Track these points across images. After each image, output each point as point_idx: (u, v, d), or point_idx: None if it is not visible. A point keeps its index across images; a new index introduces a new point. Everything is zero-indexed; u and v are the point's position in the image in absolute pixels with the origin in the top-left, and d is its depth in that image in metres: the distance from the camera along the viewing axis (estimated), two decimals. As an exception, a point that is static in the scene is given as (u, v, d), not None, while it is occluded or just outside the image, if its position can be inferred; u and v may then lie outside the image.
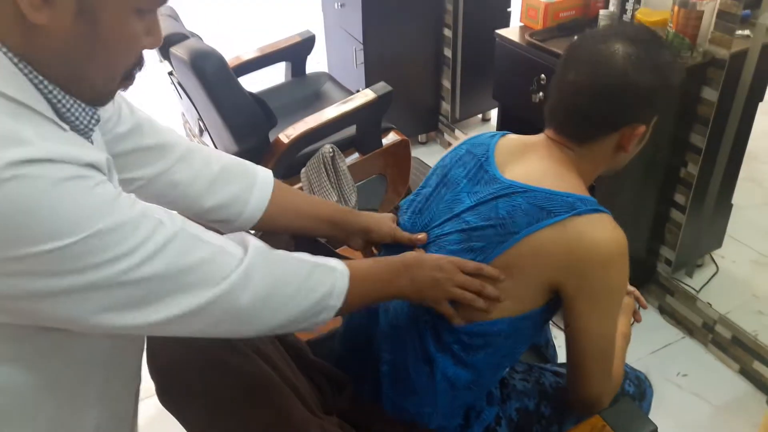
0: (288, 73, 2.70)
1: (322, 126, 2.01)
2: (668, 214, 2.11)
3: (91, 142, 0.78)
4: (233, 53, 2.50)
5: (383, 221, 1.16)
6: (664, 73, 1.01)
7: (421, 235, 1.09)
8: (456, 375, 1.05)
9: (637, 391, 1.22)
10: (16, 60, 0.67)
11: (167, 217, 0.74)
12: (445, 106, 3.13)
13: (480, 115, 3.25)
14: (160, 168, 0.97)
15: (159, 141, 0.98)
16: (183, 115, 2.46)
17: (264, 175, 1.09)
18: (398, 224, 1.16)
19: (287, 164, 2.03)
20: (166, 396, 0.97)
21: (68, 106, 0.72)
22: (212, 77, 1.88)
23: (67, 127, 0.72)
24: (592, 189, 1.89)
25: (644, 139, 1.08)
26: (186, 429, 0.95)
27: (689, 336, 2.15)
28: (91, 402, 0.86)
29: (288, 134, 1.99)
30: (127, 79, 0.76)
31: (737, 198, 2.18)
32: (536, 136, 1.10)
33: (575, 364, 1.02)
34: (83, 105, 0.74)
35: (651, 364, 2.02)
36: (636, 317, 1.26)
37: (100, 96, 0.76)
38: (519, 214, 0.97)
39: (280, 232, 1.17)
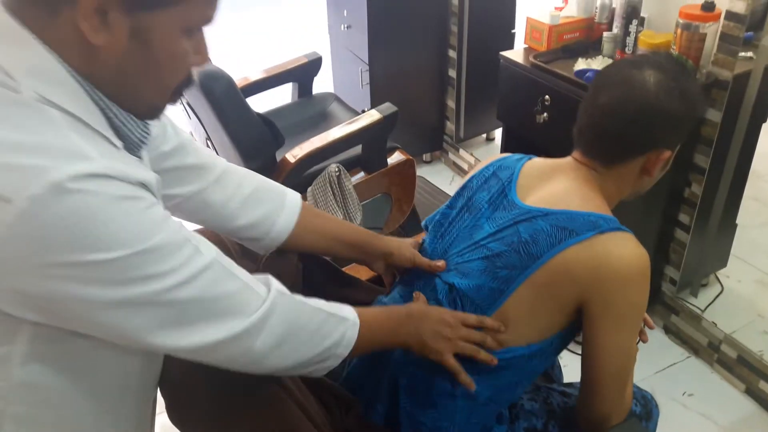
0: (295, 93, 2.72)
1: (329, 146, 2.03)
2: (673, 234, 2.12)
3: (140, 158, 0.83)
4: (241, 74, 2.53)
5: (405, 246, 1.20)
6: (692, 101, 1.03)
7: (441, 263, 1.12)
8: (477, 391, 1.06)
9: (643, 410, 1.22)
10: (79, 78, 0.72)
11: (204, 245, 0.79)
12: (450, 126, 3.15)
13: (484, 135, 3.27)
14: (197, 187, 1.03)
15: (199, 161, 1.03)
16: (191, 133, 2.49)
17: (293, 198, 1.14)
18: (420, 247, 1.18)
19: (294, 183, 2.04)
20: (174, 412, 0.98)
21: (123, 120, 0.77)
22: (221, 98, 1.91)
23: (119, 144, 0.76)
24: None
25: (668, 165, 1.11)
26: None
27: (695, 355, 2.14)
28: (116, 407, 0.90)
29: (295, 154, 2.01)
30: (176, 94, 0.81)
31: (742, 218, 2.18)
32: (563, 158, 1.12)
33: (591, 382, 1.03)
34: (136, 120, 0.79)
35: (657, 383, 2.02)
36: (642, 337, 1.27)
37: (151, 110, 0.82)
38: (542, 236, 0.99)
39: (305, 252, 1.21)
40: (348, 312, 0.95)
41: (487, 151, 3.18)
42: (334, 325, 0.92)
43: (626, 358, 1.03)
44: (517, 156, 1.16)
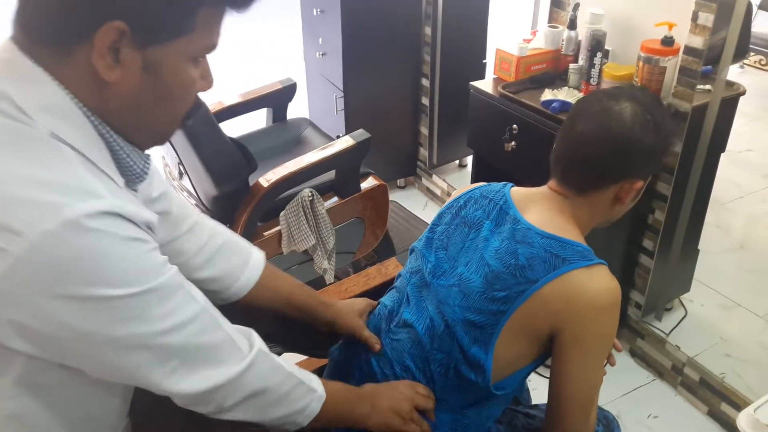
0: (269, 118, 2.75)
1: (302, 171, 2.06)
2: (637, 260, 2.18)
3: (136, 192, 0.86)
4: (216, 98, 2.56)
5: (350, 316, 1.22)
6: (666, 134, 1.08)
7: (378, 346, 1.17)
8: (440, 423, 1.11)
9: (605, 431, 1.26)
10: (88, 113, 0.75)
11: (196, 291, 0.83)
12: (423, 152, 3.21)
13: (457, 162, 3.33)
14: (173, 235, 1.04)
15: (178, 210, 1.05)
16: (163, 158, 2.50)
17: (257, 258, 1.17)
18: (427, 265, 1.17)
19: (267, 208, 2.07)
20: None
21: (128, 152, 0.81)
22: (194, 122, 1.93)
23: (121, 182, 0.79)
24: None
25: (640, 195, 1.14)
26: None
27: (659, 378, 2.19)
28: None
29: (268, 178, 2.04)
30: (184, 119, 0.84)
31: (704, 244, 2.25)
32: (538, 188, 1.15)
33: (557, 406, 1.06)
34: (139, 152, 0.82)
35: (622, 406, 2.06)
36: (610, 360, 1.30)
37: (161, 137, 0.85)
38: (537, 262, 1.02)
39: (258, 308, 1.23)
40: (317, 384, 0.99)
41: (460, 177, 3.24)
42: (303, 394, 0.96)
43: (592, 385, 1.06)
44: (501, 184, 1.19)
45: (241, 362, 0.86)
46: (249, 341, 0.90)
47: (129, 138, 0.80)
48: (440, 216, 1.21)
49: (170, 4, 0.72)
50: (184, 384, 0.81)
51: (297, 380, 0.94)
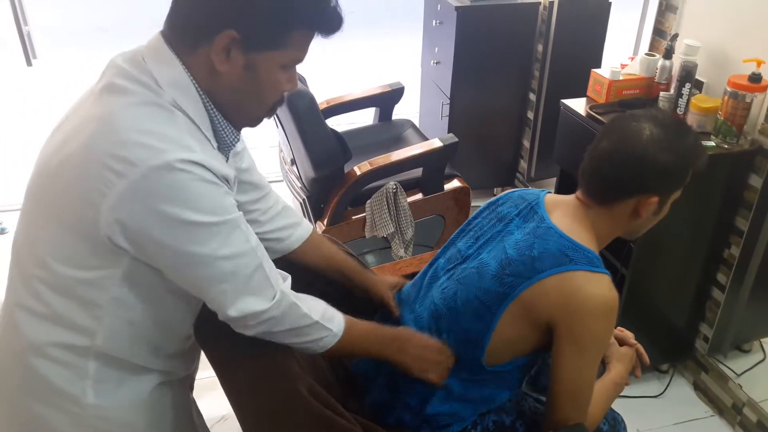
0: (376, 117, 2.99)
1: (391, 165, 2.26)
2: (709, 293, 2.17)
3: (227, 158, 1.12)
4: (337, 94, 2.86)
5: (382, 287, 1.45)
6: (682, 154, 1.18)
7: (396, 312, 1.38)
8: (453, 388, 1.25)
9: (611, 429, 1.34)
10: (201, 93, 1.03)
11: (252, 236, 1.07)
12: (523, 164, 3.30)
13: (555, 178, 3.38)
14: (251, 198, 1.32)
15: (258, 181, 1.33)
16: (279, 145, 2.79)
17: (306, 225, 1.45)
18: (456, 251, 1.35)
19: (355, 194, 2.29)
20: (200, 334, 1.24)
21: (223, 126, 1.07)
22: (302, 113, 2.18)
23: (215, 145, 1.06)
24: (629, 253, 2.00)
25: (661, 212, 1.24)
26: (210, 360, 1.22)
27: (719, 415, 2.17)
28: (171, 333, 1.19)
29: (360, 168, 2.26)
30: (272, 110, 1.10)
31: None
32: (568, 196, 1.28)
33: (552, 395, 1.18)
34: (232, 129, 1.09)
35: (672, 434, 2.08)
36: (636, 372, 1.39)
37: (252, 120, 1.11)
38: (547, 256, 1.15)
39: (306, 266, 1.46)
40: (336, 325, 1.18)
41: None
42: (316, 330, 1.16)
43: (582, 379, 1.16)
44: (537, 189, 1.33)
45: (272, 298, 1.08)
46: (283, 279, 1.12)
47: (227, 117, 1.07)
48: (480, 211, 1.36)
49: (270, 24, 0.98)
50: (229, 307, 1.05)
51: (312, 320, 1.14)
